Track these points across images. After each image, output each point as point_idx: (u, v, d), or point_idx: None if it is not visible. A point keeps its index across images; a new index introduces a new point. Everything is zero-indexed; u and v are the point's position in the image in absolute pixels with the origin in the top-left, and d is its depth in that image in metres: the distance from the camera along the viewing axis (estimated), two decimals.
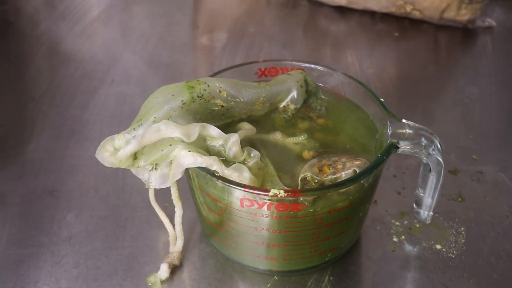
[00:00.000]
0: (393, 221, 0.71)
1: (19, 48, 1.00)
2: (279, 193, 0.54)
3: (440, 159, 0.61)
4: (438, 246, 0.68)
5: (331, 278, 0.65)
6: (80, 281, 0.64)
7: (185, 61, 0.99)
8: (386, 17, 1.12)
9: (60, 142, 0.81)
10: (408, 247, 0.68)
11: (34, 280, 0.64)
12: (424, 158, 0.62)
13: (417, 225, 0.70)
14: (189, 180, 0.64)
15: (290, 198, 0.55)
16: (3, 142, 0.81)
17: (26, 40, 1.02)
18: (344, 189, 0.57)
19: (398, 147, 0.60)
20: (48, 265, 0.66)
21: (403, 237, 0.69)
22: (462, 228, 0.70)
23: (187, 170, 0.60)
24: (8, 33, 1.04)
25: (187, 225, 0.70)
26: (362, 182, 0.58)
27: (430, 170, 0.63)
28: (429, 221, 0.69)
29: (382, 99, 0.65)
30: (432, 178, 0.64)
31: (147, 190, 0.72)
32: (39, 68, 0.96)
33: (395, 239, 0.69)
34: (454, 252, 0.67)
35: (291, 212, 0.56)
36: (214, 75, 0.68)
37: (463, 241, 0.69)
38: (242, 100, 0.64)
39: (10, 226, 0.70)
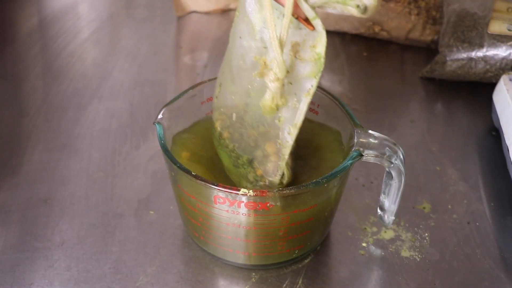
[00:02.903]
0: (363, 227, 0.72)
1: (16, 67, 1.00)
2: (248, 192, 0.55)
3: (402, 168, 0.63)
4: (405, 251, 0.70)
5: (305, 280, 0.66)
6: (72, 283, 0.65)
7: (169, 79, 1.00)
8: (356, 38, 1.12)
9: (53, 154, 0.82)
10: (377, 251, 0.69)
11: (29, 283, 0.65)
12: (387, 167, 0.64)
13: (385, 231, 0.72)
14: (170, 177, 0.64)
15: (258, 197, 0.56)
16: (0, 154, 0.82)
17: (22, 59, 1.02)
18: (309, 191, 0.58)
19: (362, 155, 0.61)
20: (42, 269, 0.66)
21: (372, 242, 0.70)
22: (426, 234, 0.72)
23: (169, 167, 0.61)
24: (5, 53, 1.04)
25: (170, 231, 0.71)
26: (326, 185, 0.59)
27: (392, 177, 0.65)
28: (391, 225, 0.71)
29: (350, 111, 0.66)
30: (394, 185, 0.65)
31: (133, 198, 0.74)
32: (33, 86, 0.96)
33: (364, 244, 0.70)
34: (419, 256, 0.69)
35: (260, 210, 0.58)
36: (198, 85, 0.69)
37: (427, 246, 0.70)
38: None
39: (7, 232, 0.70)
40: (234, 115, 0.63)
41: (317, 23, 0.54)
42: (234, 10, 1.17)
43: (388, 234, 0.71)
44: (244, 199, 0.57)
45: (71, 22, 1.14)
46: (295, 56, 0.57)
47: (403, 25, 1.07)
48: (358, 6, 0.52)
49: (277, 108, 0.59)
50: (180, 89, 0.71)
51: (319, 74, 0.56)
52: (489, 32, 0.92)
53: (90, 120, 0.88)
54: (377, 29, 1.08)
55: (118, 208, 0.74)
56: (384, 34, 1.09)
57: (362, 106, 0.93)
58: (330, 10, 0.55)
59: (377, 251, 0.70)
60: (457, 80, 0.97)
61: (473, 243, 0.71)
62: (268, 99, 0.58)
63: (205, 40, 1.10)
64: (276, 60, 0.56)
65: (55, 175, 0.78)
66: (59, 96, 0.93)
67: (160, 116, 0.64)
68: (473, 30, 0.94)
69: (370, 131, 0.63)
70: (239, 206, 0.58)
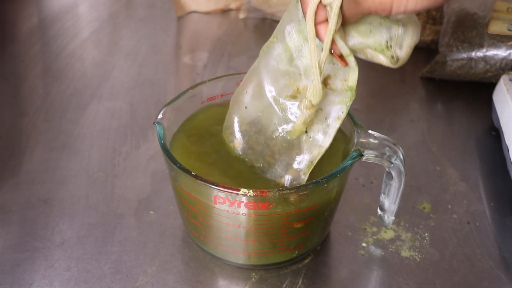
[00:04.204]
0: (363, 227, 0.72)
1: (15, 67, 1.00)
2: (248, 192, 0.56)
3: (402, 168, 0.63)
4: (405, 251, 0.70)
5: (305, 280, 0.66)
6: (72, 283, 0.65)
7: (169, 79, 1.00)
8: None
9: (53, 154, 0.82)
10: (377, 251, 0.69)
11: (29, 283, 0.65)
12: (387, 167, 0.64)
13: (385, 231, 0.72)
14: (170, 177, 0.64)
15: (258, 197, 0.56)
16: (0, 154, 0.81)
17: (22, 59, 1.02)
18: (309, 191, 0.58)
19: (362, 155, 0.61)
20: (42, 269, 0.66)
21: (372, 242, 0.70)
22: (426, 234, 0.72)
23: (169, 167, 0.61)
24: (5, 53, 1.04)
25: (170, 231, 0.71)
26: (326, 185, 0.59)
27: (392, 177, 0.65)
28: (391, 225, 0.71)
29: (350, 111, 0.66)
30: (394, 185, 0.66)
31: (134, 198, 0.74)
32: (33, 86, 0.96)
33: (364, 244, 0.70)
34: (419, 256, 0.69)
35: (260, 210, 0.58)
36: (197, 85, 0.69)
37: (427, 246, 0.70)
38: None
39: (6, 232, 0.70)
40: (253, 129, 0.65)
41: (351, 60, 0.57)
42: (234, 10, 1.18)
43: (388, 234, 0.71)
44: (244, 199, 0.57)
45: (71, 22, 1.14)
46: (326, 87, 0.60)
47: None
48: (392, 57, 0.56)
49: (305, 130, 0.62)
50: (180, 89, 0.71)
51: (350, 103, 0.60)
52: (489, 32, 0.92)
53: (90, 120, 0.88)
54: None
55: (118, 208, 0.74)
56: None
57: (362, 106, 0.93)
58: (360, 56, 0.58)
59: (377, 251, 0.69)
60: (457, 80, 0.97)
61: (473, 243, 0.71)
62: (299, 124, 0.61)
63: (205, 40, 1.10)
64: (314, 88, 0.58)
65: (55, 175, 0.78)
66: (59, 96, 0.93)
67: (160, 116, 0.64)
68: (473, 30, 0.94)
69: (370, 131, 0.63)
70: (239, 206, 0.58)
